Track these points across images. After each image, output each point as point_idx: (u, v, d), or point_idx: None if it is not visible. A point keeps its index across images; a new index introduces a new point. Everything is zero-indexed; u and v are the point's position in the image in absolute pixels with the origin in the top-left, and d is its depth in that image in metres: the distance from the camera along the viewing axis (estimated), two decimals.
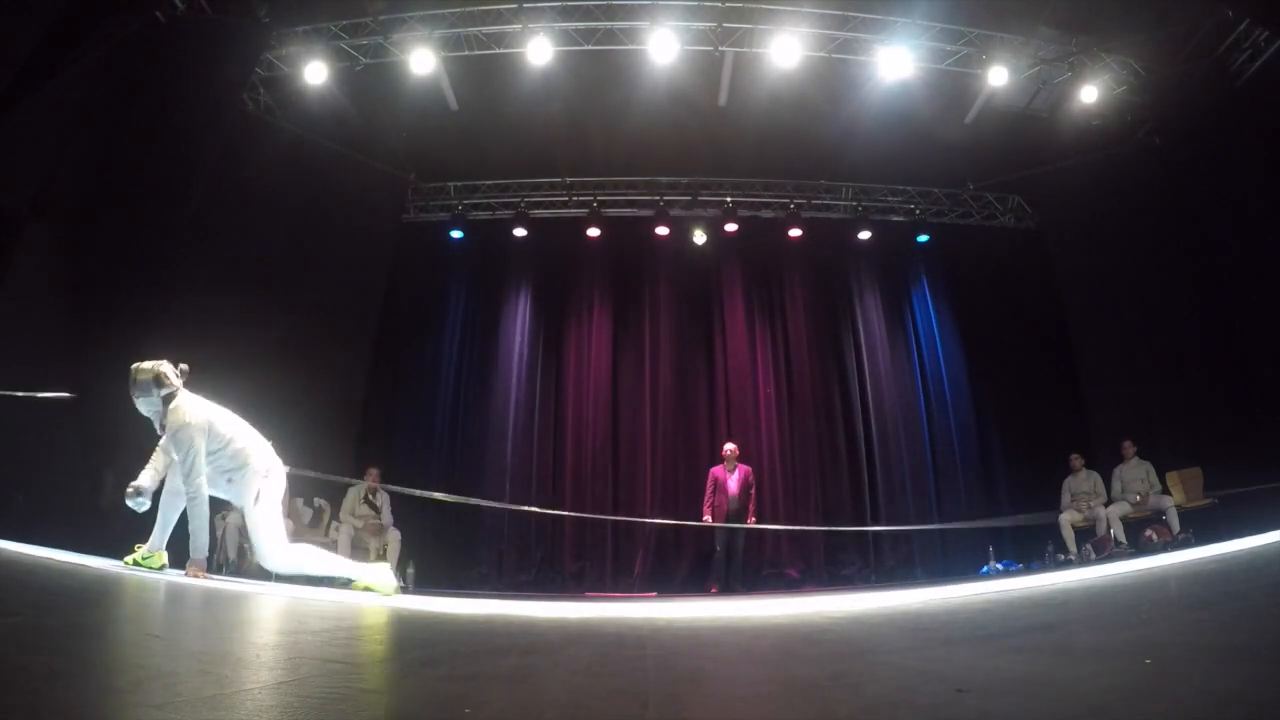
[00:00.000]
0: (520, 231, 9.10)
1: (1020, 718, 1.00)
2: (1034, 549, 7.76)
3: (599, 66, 7.50)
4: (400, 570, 6.94)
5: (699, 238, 9.28)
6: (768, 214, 9.54)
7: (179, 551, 3.76)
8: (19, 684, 1.07)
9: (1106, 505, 6.84)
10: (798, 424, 9.04)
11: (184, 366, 3.91)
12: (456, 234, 9.20)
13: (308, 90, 7.43)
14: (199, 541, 3.70)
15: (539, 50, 7.12)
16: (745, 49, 7.36)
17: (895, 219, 9.63)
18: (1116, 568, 4.03)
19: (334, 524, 6.96)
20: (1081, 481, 7.18)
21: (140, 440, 3.98)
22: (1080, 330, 8.66)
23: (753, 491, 7.83)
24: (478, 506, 7.86)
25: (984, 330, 9.29)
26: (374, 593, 4.03)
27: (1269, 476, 5.75)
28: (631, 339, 9.33)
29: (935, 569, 8.44)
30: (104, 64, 5.81)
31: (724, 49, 7.33)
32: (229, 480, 3.87)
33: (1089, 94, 7.64)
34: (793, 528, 8.32)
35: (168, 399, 3.76)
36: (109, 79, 5.95)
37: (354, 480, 7.02)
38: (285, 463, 4.20)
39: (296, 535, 6.54)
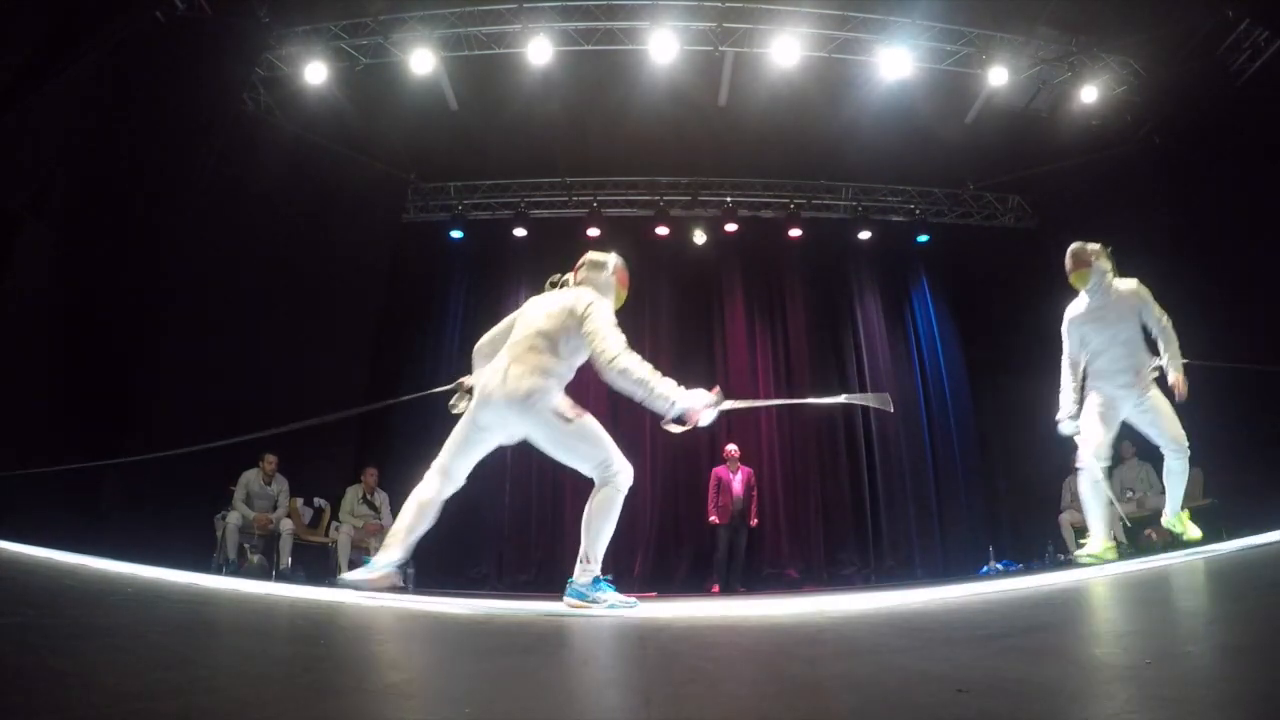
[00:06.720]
0: (520, 231, 9.10)
1: (1019, 718, 1.00)
2: (1034, 549, 7.77)
3: (599, 66, 7.50)
4: (400, 570, 6.95)
5: (699, 238, 9.28)
6: (768, 214, 9.54)
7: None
8: (19, 684, 1.06)
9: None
10: (798, 424, 9.04)
11: None
12: (456, 234, 9.21)
13: (308, 90, 7.44)
14: None
15: (539, 50, 7.12)
16: (745, 49, 7.36)
17: (895, 219, 9.63)
18: (1116, 568, 4.03)
19: (334, 524, 6.98)
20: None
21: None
22: None
23: (754, 493, 7.86)
24: (478, 507, 7.84)
25: (984, 330, 9.29)
26: None
27: (1269, 476, 5.74)
28: (631, 339, 9.25)
29: (935, 569, 8.45)
30: (104, 64, 5.81)
31: (724, 49, 7.33)
32: None
33: (1089, 94, 7.64)
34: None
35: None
36: (109, 79, 5.95)
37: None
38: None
39: (296, 535, 6.59)
